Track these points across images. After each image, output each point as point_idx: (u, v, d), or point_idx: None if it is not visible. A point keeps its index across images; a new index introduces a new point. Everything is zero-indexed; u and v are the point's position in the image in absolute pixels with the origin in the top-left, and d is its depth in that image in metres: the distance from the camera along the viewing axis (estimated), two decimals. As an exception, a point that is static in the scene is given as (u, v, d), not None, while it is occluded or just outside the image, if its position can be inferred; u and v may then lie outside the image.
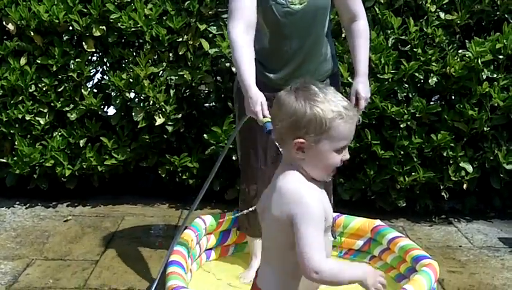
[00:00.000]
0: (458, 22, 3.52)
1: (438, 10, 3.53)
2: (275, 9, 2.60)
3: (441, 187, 3.76)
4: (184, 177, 3.78)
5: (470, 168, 3.68)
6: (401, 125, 3.58)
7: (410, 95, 3.59)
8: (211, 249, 3.16)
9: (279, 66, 2.70)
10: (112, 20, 3.58)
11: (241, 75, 2.55)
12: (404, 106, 3.56)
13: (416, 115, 3.57)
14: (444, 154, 3.64)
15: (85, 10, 3.63)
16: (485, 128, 3.61)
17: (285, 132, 1.63)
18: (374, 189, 3.79)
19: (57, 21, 3.61)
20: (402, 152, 3.64)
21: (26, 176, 3.92)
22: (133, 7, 3.57)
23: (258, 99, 2.51)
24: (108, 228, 3.63)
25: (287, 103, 1.63)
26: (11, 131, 3.80)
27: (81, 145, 3.81)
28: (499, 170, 3.72)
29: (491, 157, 3.67)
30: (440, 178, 3.73)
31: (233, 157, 3.70)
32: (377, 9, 3.51)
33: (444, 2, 3.52)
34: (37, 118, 3.79)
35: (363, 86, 2.72)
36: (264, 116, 2.49)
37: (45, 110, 3.81)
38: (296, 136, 1.61)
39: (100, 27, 3.64)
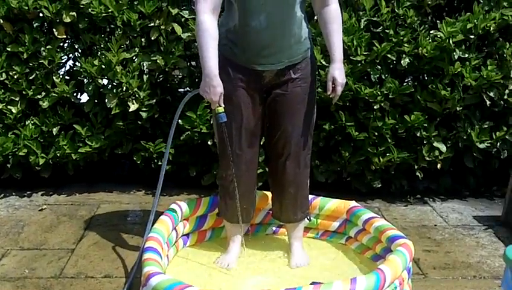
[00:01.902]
0: (429, 2, 3.54)
1: (410, -9, 3.54)
2: None
3: (416, 167, 3.79)
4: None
5: (443, 148, 3.71)
6: (375, 107, 3.59)
7: (383, 77, 3.60)
8: (187, 234, 3.16)
9: (250, 42, 2.66)
10: (82, 6, 3.54)
11: (204, 59, 2.57)
12: (377, 87, 3.57)
13: (390, 96, 3.59)
14: (418, 134, 3.67)
15: (54, -4, 3.58)
16: (458, 108, 3.64)
17: None
18: (349, 170, 3.81)
19: (27, 8, 3.55)
20: (376, 133, 3.66)
21: (-1, 166, 3.88)
22: (104, -8, 3.53)
23: (218, 90, 2.59)
24: (84, 216, 3.61)
25: None
26: (-17, 120, 3.76)
27: (54, 133, 3.77)
28: (472, 149, 3.76)
29: (464, 137, 3.71)
30: (414, 158, 3.76)
31: (209, 143, 3.69)
32: (348, -10, 3.51)
33: (414, -17, 3.53)
34: (8, 107, 3.74)
35: (339, 72, 2.73)
36: (219, 106, 2.61)
37: (17, 99, 3.76)
38: None
39: (70, 13, 3.59)
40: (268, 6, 2.59)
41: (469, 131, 3.68)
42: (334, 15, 2.74)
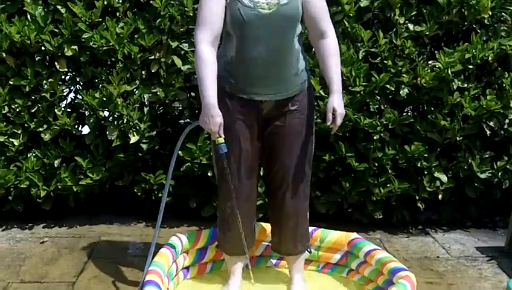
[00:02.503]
0: (427, 33, 3.56)
1: (407, 22, 3.56)
2: (243, 12, 2.59)
3: (417, 198, 3.78)
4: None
5: (444, 178, 3.70)
6: (375, 137, 3.60)
7: (382, 107, 3.62)
8: (188, 267, 3.15)
9: (248, 72, 2.69)
10: (83, 40, 3.57)
11: (203, 90, 2.60)
12: (377, 117, 3.58)
13: (389, 127, 3.59)
14: (418, 165, 3.66)
15: (56, 30, 3.60)
16: (458, 138, 3.64)
17: None
18: (350, 201, 3.81)
19: (29, 42, 3.59)
20: (376, 164, 3.66)
21: (1, 198, 3.88)
22: (105, 26, 3.56)
23: (218, 121, 2.60)
24: (84, 249, 3.60)
25: None
26: (-15, 153, 3.78)
27: (55, 165, 3.78)
28: (474, 179, 3.75)
29: (465, 167, 3.70)
30: (415, 189, 3.75)
31: (209, 174, 3.70)
32: (346, 22, 3.53)
33: (412, 14, 3.55)
34: (10, 140, 3.76)
35: (338, 103, 2.75)
36: (219, 136, 2.61)
37: (19, 131, 3.78)
38: None
39: (72, 47, 3.62)
40: (266, 37, 2.62)
41: (470, 161, 3.68)
42: (331, 48, 2.76)
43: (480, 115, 3.57)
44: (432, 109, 3.66)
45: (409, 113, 3.78)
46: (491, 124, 3.62)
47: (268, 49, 2.63)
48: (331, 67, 2.76)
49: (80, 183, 3.76)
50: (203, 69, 2.60)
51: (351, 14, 3.52)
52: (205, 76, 2.59)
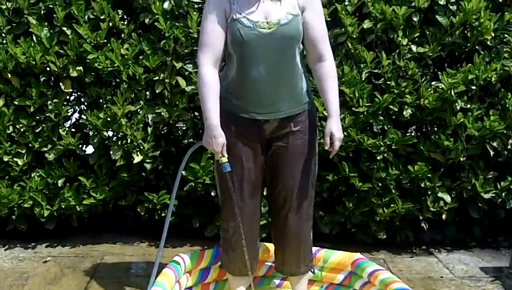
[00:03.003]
0: (430, 54, 3.57)
1: (410, 43, 3.58)
2: (242, 32, 2.62)
3: (421, 218, 3.78)
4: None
5: (448, 199, 3.70)
6: (378, 158, 3.60)
7: (386, 127, 3.62)
8: (191, 287, 3.13)
9: (250, 91, 2.70)
10: (88, 61, 3.60)
11: (206, 111, 2.64)
12: (380, 138, 3.59)
13: (393, 147, 3.60)
14: (422, 185, 3.66)
15: (62, 51, 3.64)
16: (461, 159, 3.64)
17: None
18: (354, 221, 3.80)
19: (34, 62, 3.62)
20: (380, 184, 3.66)
21: (4, 218, 3.89)
22: (110, 47, 3.59)
23: (221, 141, 2.63)
24: (87, 268, 3.60)
25: None
26: (-11, 173, 3.79)
27: (59, 185, 3.79)
28: (477, 199, 3.75)
29: (469, 187, 3.70)
30: (419, 209, 3.75)
31: (212, 194, 3.70)
32: (349, 44, 3.55)
33: (415, 36, 3.57)
34: (15, 159, 3.77)
35: (336, 127, 2.74)
36: (222, 156, 2.63)
37: (23, 151, 3.80)
38: None
39: (77, 68, 3.65)
40: (266, 57, 2.63)
41: (473, 181, 3.68)
42: (329, 70, 2.77)
43: (484, 135, 3.57)
44: (436, 129, 3.67)
45: (413, 134, 3.79)
46: (495, 144, 3.63)
47: (268, 68, 2.65)
48: (328, 90, 2.76)
49: (83, 202, 3.77)
50: (205, 91, 2.64)
51: (354, 36, 3.55)
52: (207, 98, 2.63)
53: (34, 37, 3.66)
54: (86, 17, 3.62)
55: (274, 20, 2.63)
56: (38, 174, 3.81)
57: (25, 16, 3.66)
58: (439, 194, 3.70)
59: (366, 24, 3.56)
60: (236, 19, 2.63)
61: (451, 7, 3.57)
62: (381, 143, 3.57)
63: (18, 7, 3.66)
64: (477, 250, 3.93)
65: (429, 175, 3.65)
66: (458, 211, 3.85)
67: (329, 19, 3.31)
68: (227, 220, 2.86)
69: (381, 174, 3.62)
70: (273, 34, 2.62)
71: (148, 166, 3.71)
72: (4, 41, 3.67)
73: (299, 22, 2.67)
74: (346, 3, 3.55)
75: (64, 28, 3.63)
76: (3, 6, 3.64)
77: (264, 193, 3.01)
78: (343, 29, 3.54)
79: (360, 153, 3.66)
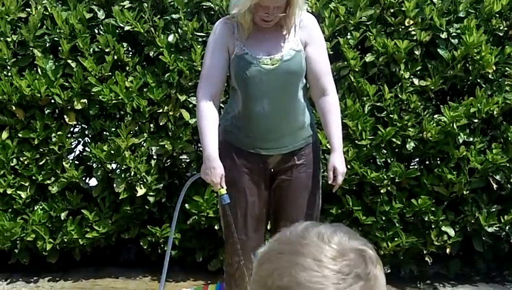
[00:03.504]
0: (432, 87, 3.59)
1: (412, 77, 3.60)
2: (246, 69, 2.64)
3: (425, 252, 3.75)
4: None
5: (452, 232, 3.68)
6: (382, 191, 3.59)
7: (389, 160, 3.62)
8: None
9: (254, 127, 2.72)
10: (93, 93, 3.62)
11: (204, 143, 2.67)
12: (384, 171, 3.59)
13: (396, 180, 3.59)
14: (426, 218, 3.65)
15: (66, 84, 3.66)
16: (465, 192, 3.63)
17: None
18: (358, 255, 3.76)
19: (39, 95, 3.64)
20: (384, 218, 3.64)
21: (7, 251, 3.86)
22: (114, 80, 3.61)
23: (219, 172, 2.63)
24: (89, 303, 3.57)
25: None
26: (-8, 205, 3.78)
27: (62, 218, 3.77)
28: (481, 232, 3.73)
29: (473, 221, 3.68)
30: (423, 243, 3.72)
31: (216, 227, 3.68)
32: (352, 77, 3.57)
33: (417, 69, 3.59)
34: (18, 192, 3.76)
35: (339, 162, 2.75)
36: (221, 187, 2.63)
37: (26, 184, 3.79)
38: None
39: (82, 100, 3.67)
40: (270, 92, 2.65)
41: (477, 215, 3.66)
42: (332, 105, 2.78)
43: (487, 168, 3.57)
44: (439, 162, 3.67)
45: (416, 167, 3.79)
46: (498, 177, 3.62)
47: (272, 104, 2.67)
48: (331, 124, 2.77)
49: (86, 236, 3.74)
50: (204, 124, 2.67)
51: (356, 69, 3.57)
52: (206, 131, 2.67)
53: (39, 70, 3.68)
54: (91, 50, 3.64)
55: (277, 57, 2.65)
56: (41, 207, 3.80)
57: (30, 48, 3.68)
58: (443, 228, 3.68)
59: (369, 57, 3.58)
60: (239, 55, 2.66)
61: (452, 41, 3.59)
62: (385, 176, 3.57)
63: (23, 40, 3.68)
64: (482, 284, 3.88)
65: (433, 209, 3.64)
66: (462, 245, 3.82)
67: (331, 52, 3.33)
68: (231, 255, 2.84)
69: (385, 207, 3.61)
70: (276, 70, 2.64)
71: (151, 199, 3.70)
72: (9, 74, 3.69)
73: (301, 57, 2.69)
74: (349, 37, 3.58)
75: (69, 61, 3.66)
76: (9, 39, 3.67)
77: (268, 227, 3.00)
78: (346, 63, 3.57)
79: (363, 186, 3.65)
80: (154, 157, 3.72)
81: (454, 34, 3.59)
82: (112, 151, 3.65)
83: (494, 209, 3.69)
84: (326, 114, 2.78)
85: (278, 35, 2.68)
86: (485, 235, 3.73)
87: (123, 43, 3.65)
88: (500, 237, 3.78)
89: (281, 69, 2.65)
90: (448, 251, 3.73)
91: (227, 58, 2.68)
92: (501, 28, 3.62)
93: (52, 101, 3.70)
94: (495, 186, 3.63)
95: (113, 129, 3.71)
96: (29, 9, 3.68)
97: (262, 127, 2.71)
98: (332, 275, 0.96)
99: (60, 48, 3.64)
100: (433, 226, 3.69)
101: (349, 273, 0.97)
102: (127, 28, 3.59)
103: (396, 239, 3.65)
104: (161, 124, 3.67)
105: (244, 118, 2.73)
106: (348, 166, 3.46)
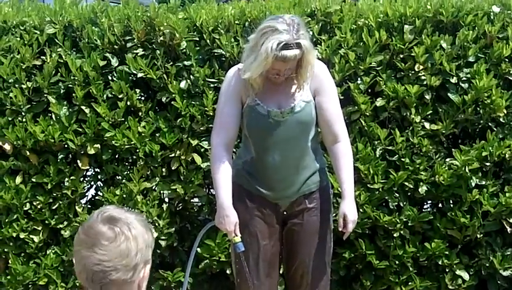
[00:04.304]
0: (443, 131, 3.59)
1: (423, 121, 3.60)
2: (257, 120, 2.68)
3: (439, 296, 3.71)
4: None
5: (466, 276, 3.64)
6: (395, 235, 3.58)
7: (402, 204, 3.61)
8: None
9: (265, 176, 2.74)
10: (106, 138, 3.66)
11: (218, 191, 2.68)
12: (396, 215, 3.57)
13: (409, 224, 3.58)
14: (440, 262, 3.61)
15: (80, 129, 3.70)
16: (478, 235, 3.60)
17: None
18: (372, 300, 3.74)
19: (53, 140, 3.68)
20: (397, 262, 3.61)
21: (19, 295, 3.86)
22: (127, 125, 3.66)
23: (233, 220, 2.63)
24: None
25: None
26: (5, 249, 3.79)
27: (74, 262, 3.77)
28: (496, 276, 3.68)
29: (487, 264, 3.64)
30: (437, 287, 3.68)
31: (228, 271, 3.67)
32: (362, 121, 3.58)
33: (428, 113, 3.59)
34: (31, 236, 3.78)
35: (350, 209, 2.75)
36: (235, 235, 2.63)
37: (39, 228, 3.81)
38: None
39: (95, 145, 3.71)
40: (281, 143, 2.68)
41: (491, 258, 3.62)
42: (343, 151, 2.80)
43: (500, 211, 3.55)
44: (451, 205, 3.65)
45: (429, 210, 3.77)
46: (511, 220, 3.59)
47: (282, 155, 2.70)
48: (342, 171, 2.78)
49: (98, 280, 3.73)
50: (218, 172, 2.68)
51: (367, 114, 3.58)
52: (219, 179, 2.68)
53: (53, 116, 3.73)
54: (105, 96, 3.69)
55: (287, 109, 2.68)
56: (53, 251, 3.81)
57: (45, 95, 3.74)
58: (458, 272, 3.64)
59: (379, 102, 3.59)
60: (251, 106, 2.69)
61: (462, 85, 3.60)
62: (398, 220, 3.55)
63: (38, 86, 3.74)
64: (498, 328, 3.82)
65: (446, 252, 3.61)
66: (477, 289, 3.77)
67: (342, 97, 3.35)
68: (244, 300, 2.83)
69: (398, 251, 3.59)
70: (287, 121, 2.68)
71: (163, 243, 3.70)
72: (24, 120, 3.74)
73: (312, 107, 2.72)
74: (359, 82, 3.61)
75: (83, 107, 3.71)
76: (24, 86, 3.73)
77: (281, 272, 2.98)
78: (356, 107, 3.59)
79: (376, 230, 3.64)
80: (166, 201, 3.73)
81: (464, 78, 3.60)
82: (124, 196, 3.67)
83: (509, 253, 3.65)
84: (338, 161, 2.79)
85: (290, 87, 2.71)
86: (500, 278, 3.68)
87: (136, 90, 3.69)
88: (515, 281, 3.73)
89: (292, 121, 2.68)
90: (462, 295, 3.68)
91: (240, 108, 2.71)
92: (511, 72, 3.64)
93: (66, 146, 3.74)
94: (509, 229, 3.60)
95: (126, 173, 3.74)
96: (44, 57, 3.74)
97: (273, 177, 2.73)
98: None
99: (73, 94, 3.69)
100: (447, 270, 3.65)
101: None
102: (140, 74, 3.65)
103: (410, 283, 3.62)
104: (173, 168, 3.69)
105: (255, 166, 2.76)
106: (361, 210, 3.46)
